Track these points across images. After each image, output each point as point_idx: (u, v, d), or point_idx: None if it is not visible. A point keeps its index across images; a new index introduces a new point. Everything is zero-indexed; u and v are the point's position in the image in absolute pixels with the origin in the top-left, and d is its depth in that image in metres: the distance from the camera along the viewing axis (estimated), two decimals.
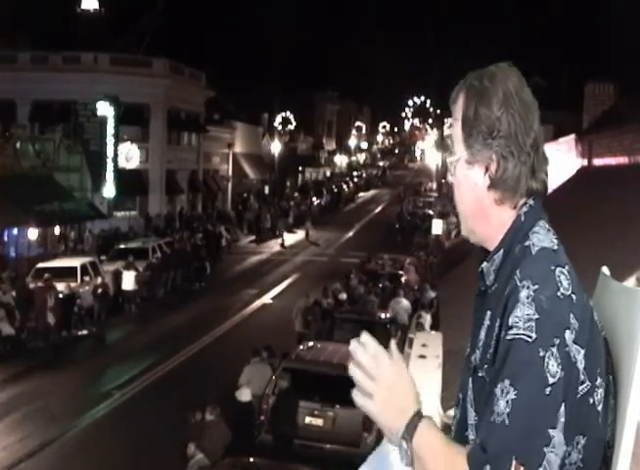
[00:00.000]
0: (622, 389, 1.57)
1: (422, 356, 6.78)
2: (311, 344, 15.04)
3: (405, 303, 19.79)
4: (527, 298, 1.44)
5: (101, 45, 35.80)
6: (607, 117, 17.48)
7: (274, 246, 39.37)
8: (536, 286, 1.45)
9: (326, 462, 11.43)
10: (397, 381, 1.51)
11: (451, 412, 1.84)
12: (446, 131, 69.62)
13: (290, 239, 41.55)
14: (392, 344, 1.56)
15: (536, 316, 1.42)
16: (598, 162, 15.45)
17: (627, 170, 12.33)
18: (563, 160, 19.65)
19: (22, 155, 28.34)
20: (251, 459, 10.29)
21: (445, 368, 6.20)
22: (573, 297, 1.47)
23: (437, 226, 35.45)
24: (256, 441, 12.12)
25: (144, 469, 12.36)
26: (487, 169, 1.59)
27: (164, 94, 37.34)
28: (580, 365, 1.45)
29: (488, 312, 1.57)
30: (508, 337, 1.44)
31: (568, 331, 1.43)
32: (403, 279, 24.88)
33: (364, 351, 1.51)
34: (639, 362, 1.52)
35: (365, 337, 1.52)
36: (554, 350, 1.41)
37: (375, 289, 22.48)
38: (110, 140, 33.51)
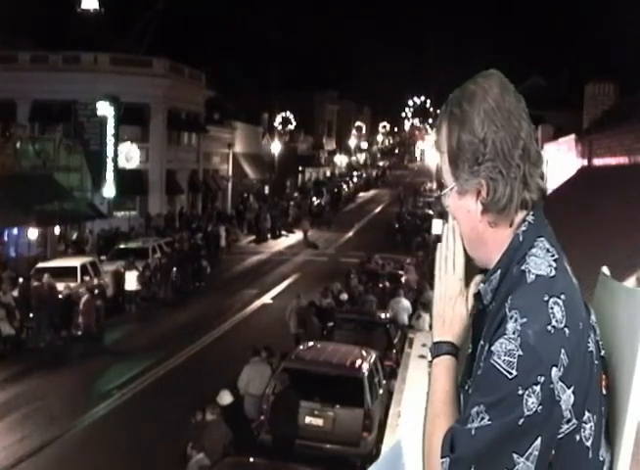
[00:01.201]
0: (622, 389, 1.57)
1: (422, 356, 6.78)
2: (311, 344, 15.05)
3: (405, 303, 19.79)
4: (514, 332, 1.41)
5: (101, 45, 35.80)
6: (607, 117, 17.46)
7: (274, 246, 39.37)
8: (524, 319, 1.41)
9: (326, 462, 11.43)
10: (454, 299, 1.64)
11: None
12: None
13: (289, 239, 41.56)
14: (473, 283, 1.65)
15: (519, 353, 1.39)
16: (598, 162, 15.44)
17: (627, 170, 12.31)
18: (563, 160, 19.64)
19: (22, 155, 28.32)
20: (251, 459, 10.30)
21: None
22: (566, 331, 1.43)
23: (437, 226, 35.43)
24: (256, 441, 12.13)
25: (144, 469, 12.37)
26: (479, 195, 1.57)
27: (164, 94, 37.34)
28: (564, 405, 1.41)
29: (484, 330, 1.56)
30: (491, 361, 1.43)
31: (555, 368, 1.39)
32: (403, 279, 24.90)
33: (454, 241, 1.65)
34: (639, 362, 1.52)
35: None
36: (536, 388, 1.38)
37: (375, 289, 22.49)
38: (110, 140, 33.49)
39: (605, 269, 1.80)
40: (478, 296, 1.64)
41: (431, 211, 44.69)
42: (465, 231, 1.64)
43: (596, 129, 17.11)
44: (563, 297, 1.46)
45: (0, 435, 13.63)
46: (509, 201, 1.55)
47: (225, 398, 12.03)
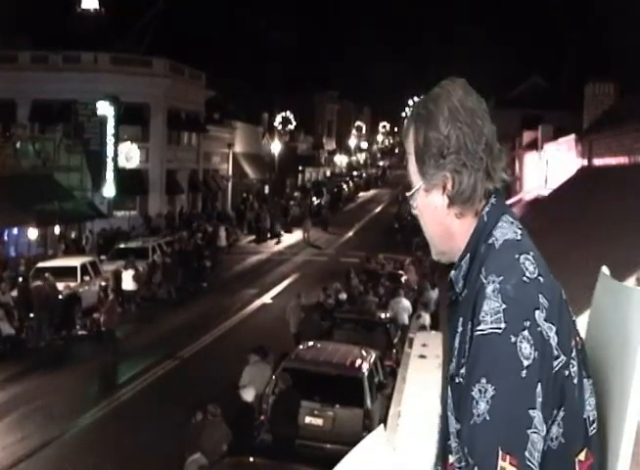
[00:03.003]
0: (622, 389, 1.57)
1: (422, 356, 6.79)
2: (311, 344, 15.04)
3: (405, 303, 19.79)
4: (494, 291, 1.47)
5: (101, 45, 35.81)
6: (607, 117, 17.47)
7: (274, 246, 39.38)
8: (501, 277, 1.49)
9: (326, 462, 11.41)
10: None
11: None
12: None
13: (289, 239, 41.56)
14: None
15: (503, 307, 1.45)
16: (598, 162, 15.45)
17: (627, 170, 12.32)
18: (563, 160, 19.64)
19: (22, 155, 28.34)
20: (252, 459, 10.29)
21: (445, 368, 6.20)
22: (541, 279, 1.51)
23: None
24: (256, 441, 12.12)
25: (144, 469, 12.37)
26: (444, 189, 1.63)
27: (164, 94, 37.35)
28: (553, 342, 1.48)
29: (460, 319, 1.59)
30: (477, 333, 1.47)
31: (538, 311, 1.47)
32: (403, 279, 24.89)
33: None
34: (639, 362, 1.52)
35: None
36: (525, 333, 1.44)
37: (375, 289, 22.48)
38: (110, 140, 33.51)
39: (605, 269, 1.80)
40: (449, 284, 1.68)
41: None
42: (432, 229, 1.70)
43: (596, 129, 17.12)
44: (531, 253, 1.55)
45: (0, 435, 13.64)
46: (473, 191, 1.62)
47: (249, 394, 12.00)
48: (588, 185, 14.22)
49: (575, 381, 1.54)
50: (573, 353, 1.54)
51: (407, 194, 1.73)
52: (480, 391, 1.42)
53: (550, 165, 22.44)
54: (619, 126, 14.20)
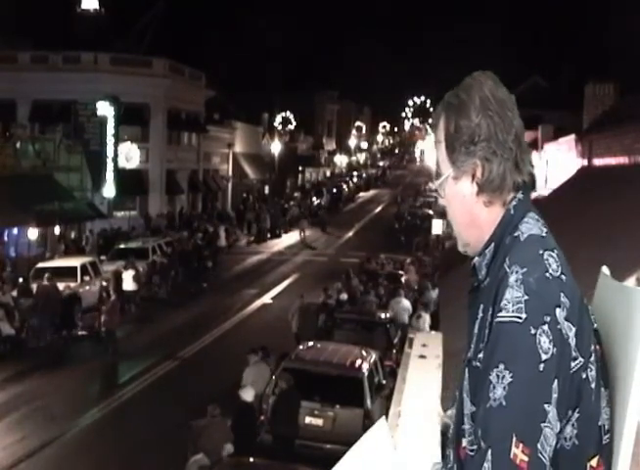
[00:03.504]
0: (622, 389, 1.57)
1: (422, 356, 6.79)
2: (311, 344, 15.03)
3: (405, 303, 19.78)
4: (516, 281, 1.48)
5: (101, 45, 35.81)
6: (607, 117, 17.47)
7: (274, 246, 39.38)
8: (525, 269, 1.49)
9: (326, 462, 11.40)
10: None
11: (451, 412, 1.84)
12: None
13: (289, 239, 41.55)
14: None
15: (525, 298, 1.46)
16: (598, 162, 15.45)
17: (627, 170, 12.32)
18: (563, 160, 19.64)
19: (22, 155, 28.33)
20: (251, 459, 10.29)
21: (445, 368, 6.20)
22: (563, 277, 1.52)
23: (437, 226, 35.46)
24: (256, 441, 12.12)
25: (144, 469, 12.37)
26: (474, 177, 1.64)
27: (164, 94, 37.34)
28: (572, 342, 1.48)
29: (481, 305, 1.60)
30: (497, 319, 1.48)
31: (558, 309, 1.47)
32: (403, 279, 24.90)
33: None
34: (639, 362, 1.52)
35: None
36: (545, 327, 1.44)
37: (375, 289, 22.48)
38: (110, 140, 33.49)
39: (605, 269, 1.80)
40: (473, 271, 1.69)
41: (431, 211, 44.71)
42: (460, 218, 1.70)
43: (596, 129, 17.12)
44: (555, 251, 1.55)
45: (0, 435, 13.63)
46: (502, 180, 1.63)
47: (249, 393, 12.00)
48: (588, 185, 14.22)
49: (593, 386, 1.53)
50: (592, 358, 1.53)
51: (436, 183, 1.74)
52: (497, 376, 1.44)
53: (550, 165, 22.44)
54: (619, 126, 14.20)
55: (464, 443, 1.60)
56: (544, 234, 1.59)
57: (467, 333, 1.68)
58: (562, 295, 1.49)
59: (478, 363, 1.56)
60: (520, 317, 1.45)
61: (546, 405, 1.42)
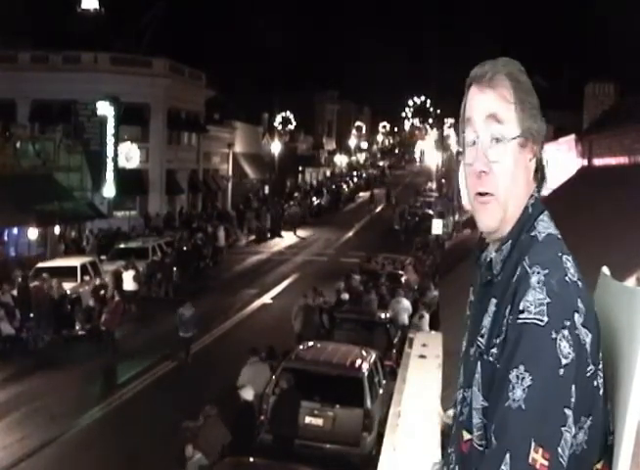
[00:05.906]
0: (622, 389, 1.56)
1: (422, 356, 6.77)
2: (311, 344, 15.04)
3: (405, 303, 19.78)
4: (539, 283, 1.48)
5: (101, 45, 35.82)
6: (607, 117, 17.45)
7: (274, 246, 39.37)
8: (547, 271, 1.49)
9: (326, 462, 11.42)
10: None
11: (451, 412, 1.84)
12: (446, 131, 69.57)
13: (289, 239, 41.55)
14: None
15: (548, 300, 1.46)
16: (598, 162, 15.44)
17: (627, 170, 12.31)
18: (563, 160, 19.62)
19: (22, 155, 28.31)
20: (251, 459, 10.29)
21: (445, 368, 6.19)
22: (579, 283, 1.52)
23: (437, 226, 35.46)
24: (256, 441, 12.12)
25: (144, 469, 12.36)
26: (534, 154, 1.70)
27: (164, 94, 37.35)
28: (588, 348, 1.48)
29: (493, 300, 1.60)
30: (519, 321, 1.47)
31: (577, 314, 1.47)
32: (403, 279, 24.89)
33: None
34: (639, 362, 1.52)
35: None
36: (565, 332, 1.44)
37: (375, 289, 22.47)
38: (110, 140, 33.51)
39: (605, 269, 1.80)
40: (489, 264, 1.68)
41: (431, 211, 44.68)
42: (517, 188, 1.66)
43: (596, 129, 17.10)
44: (571, 256, 1.57)
45: (0, 435, 13.63)
46: (541, 161, 1.71)
47: (248, 393, 12.00)
48: (588, 185, 14.21)
49: (601, 393, 1.54)
50: (600, 366, 1.54)
51: (495, 135, 1.66)
52: (517, 376, 1.43)
53: (550, 165, 22.43)
54: (619, 126, 14.19)
55: (467, 436, 1.60)
56: (560, 236, 1.60)
57: (469, 325, 1.69)
58: (579, 300, 1.49)
59: (491, 359, 1.55)
60: (542, 320, 1.44)
61: (566, 409, 1.42)
